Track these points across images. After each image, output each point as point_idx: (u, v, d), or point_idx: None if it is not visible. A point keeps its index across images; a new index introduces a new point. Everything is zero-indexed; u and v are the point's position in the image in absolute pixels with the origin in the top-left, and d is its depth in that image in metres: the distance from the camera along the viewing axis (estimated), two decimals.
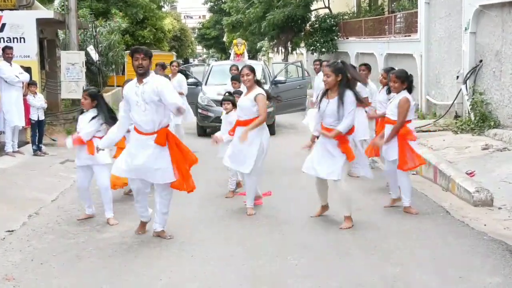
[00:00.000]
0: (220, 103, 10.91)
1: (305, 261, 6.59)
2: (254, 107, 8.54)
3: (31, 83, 13.45)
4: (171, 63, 15.13)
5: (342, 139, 7.76)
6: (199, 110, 17.35)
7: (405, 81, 8.47)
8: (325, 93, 7.94)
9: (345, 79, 7.74)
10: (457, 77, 15.62)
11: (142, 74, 7.04)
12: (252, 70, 8.57)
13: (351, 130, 7.83)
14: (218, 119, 8.45)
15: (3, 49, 13.02)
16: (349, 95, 7.68)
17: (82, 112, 8.30)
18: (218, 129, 10.17)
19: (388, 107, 8.80)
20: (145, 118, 7.06)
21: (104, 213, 8.36)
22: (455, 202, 9.09)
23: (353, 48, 27.54)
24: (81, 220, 8.43)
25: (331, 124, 7.78)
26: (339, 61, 7.94)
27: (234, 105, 9.53)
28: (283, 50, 35.56)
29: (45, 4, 26.95)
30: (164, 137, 7.11)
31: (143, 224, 7.80)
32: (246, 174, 8.69)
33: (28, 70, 14.08)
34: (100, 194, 8.45)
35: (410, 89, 8.51)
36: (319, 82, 12.59)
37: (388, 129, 8.58)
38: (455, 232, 7.54)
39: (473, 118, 14.28)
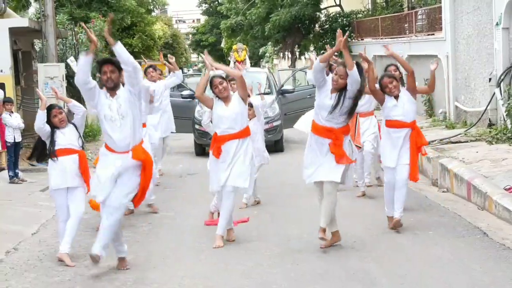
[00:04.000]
0: None
1: None
2: (246, 110, 8.64)
3: (6, 101, 13.47)
4: None
5: (338, 141, 7.89)
6: (197, 126, 17.23)
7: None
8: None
9: None
10: (490, 79, 15.60)
11: (112, 88, 7.31)
12: (224, 78, 8.66)
13: (348, 130, 8.07)
14: None
15: None
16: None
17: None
18: None
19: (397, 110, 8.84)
20: (120, 135, 7.27)
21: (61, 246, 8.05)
22: (493, 222, 9.05)
23: (369, 50, 27.40)
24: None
25: (341, 123, 7.92)
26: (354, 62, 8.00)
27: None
28: (289, 55, 35.66)
29: (19, 12, 27.08)
30: (141, 152, 7.32)
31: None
32: (229, 192, 8.48)
33: (1, 86, 14.10)
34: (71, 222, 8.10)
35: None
36: None
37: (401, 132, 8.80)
38: (494, 257, 7.50)
39: (509, 126, 14.23)
